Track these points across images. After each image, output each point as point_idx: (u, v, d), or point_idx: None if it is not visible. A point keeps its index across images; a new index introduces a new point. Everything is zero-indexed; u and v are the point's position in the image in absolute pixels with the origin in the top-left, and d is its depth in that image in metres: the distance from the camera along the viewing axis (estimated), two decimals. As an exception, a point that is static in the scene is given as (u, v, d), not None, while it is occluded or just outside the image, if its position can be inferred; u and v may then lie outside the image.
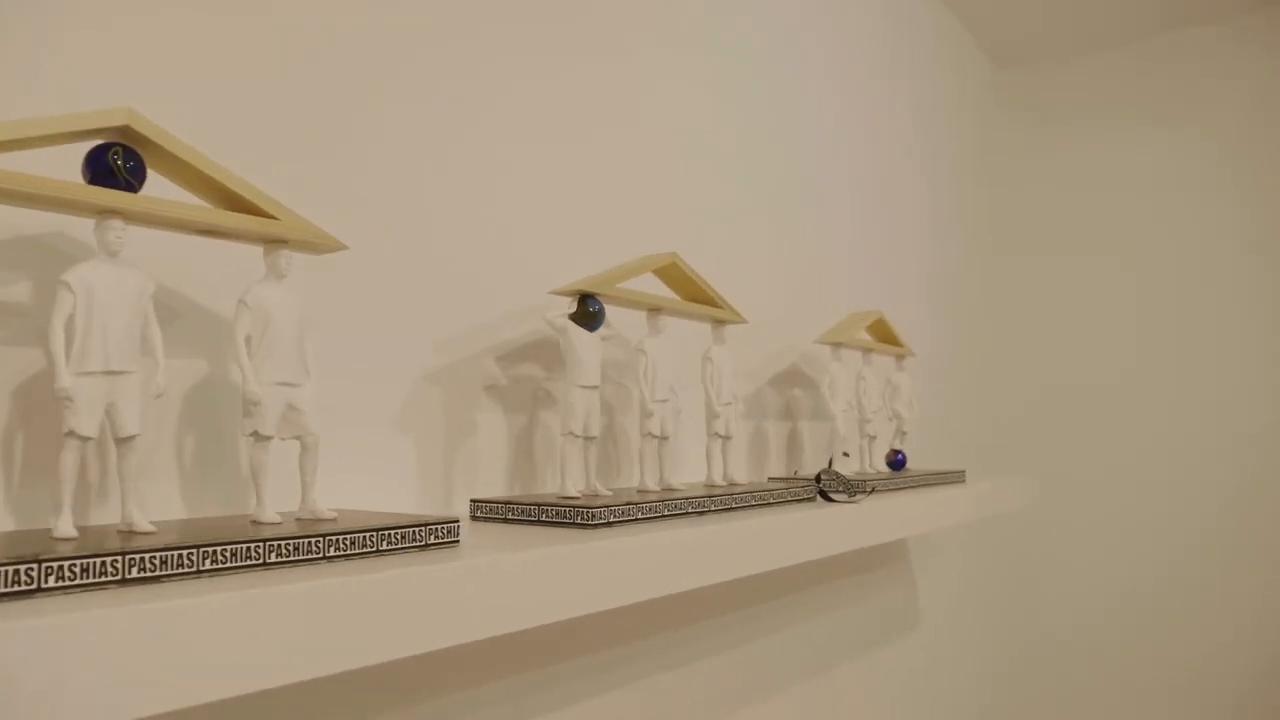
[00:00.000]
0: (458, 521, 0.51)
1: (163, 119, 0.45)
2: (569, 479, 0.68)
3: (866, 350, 1.12)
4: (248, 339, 0.48)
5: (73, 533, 0.41)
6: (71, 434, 0.41)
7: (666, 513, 0.67)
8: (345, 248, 0.53)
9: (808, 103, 1.26)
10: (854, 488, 0.88)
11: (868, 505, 0.86)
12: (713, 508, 0.72)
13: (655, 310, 0.78)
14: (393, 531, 0.48)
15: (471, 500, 0.67)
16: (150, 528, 0.44)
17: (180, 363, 0.55)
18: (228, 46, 0.59)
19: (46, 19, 0.51)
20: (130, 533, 0.43)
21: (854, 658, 1.29)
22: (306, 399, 0.50)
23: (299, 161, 0.63)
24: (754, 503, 0.78)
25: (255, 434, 0.49)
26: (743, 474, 1.06)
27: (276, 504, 0.50)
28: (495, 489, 0.76)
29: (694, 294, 0.82)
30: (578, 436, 0.68)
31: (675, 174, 0.99)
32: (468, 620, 0.45)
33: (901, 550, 1.45)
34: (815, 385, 1.19)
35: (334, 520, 0.50)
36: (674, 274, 0.80)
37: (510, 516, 0.65)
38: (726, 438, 0.85)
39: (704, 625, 0.97)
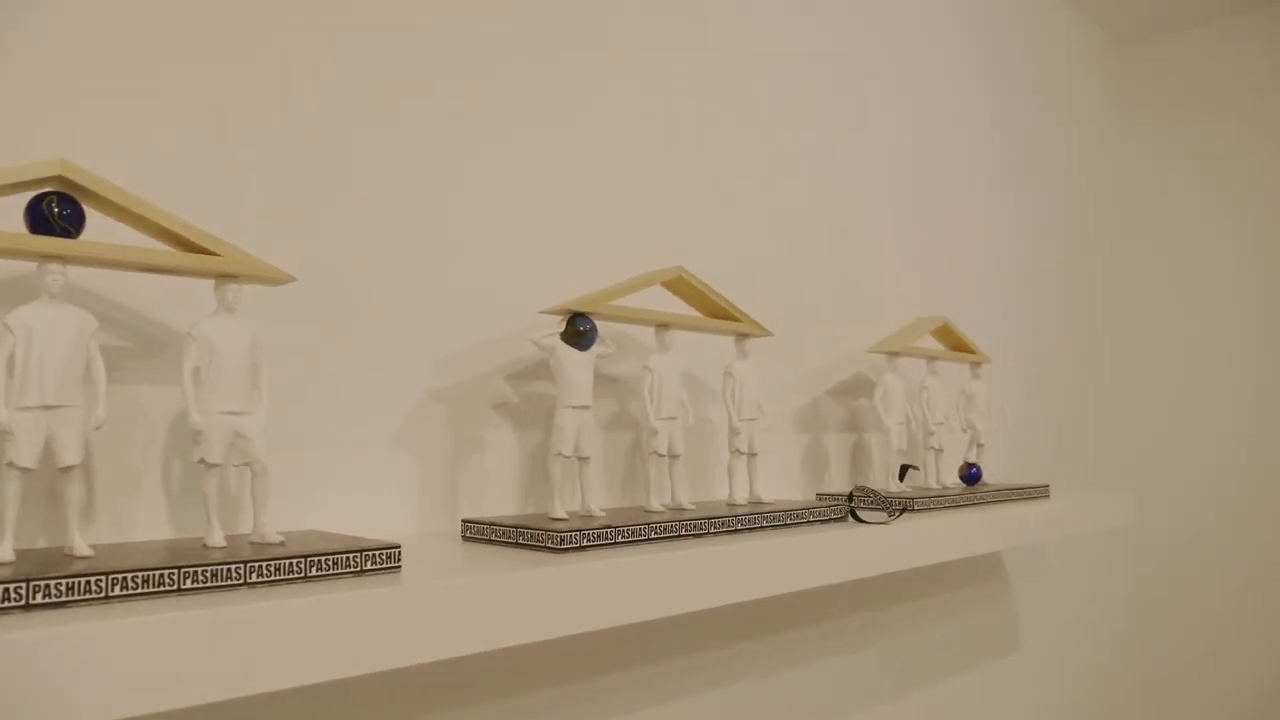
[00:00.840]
0: (398, 547, 0.52)
1: (132, 152, 0.48)
2: (558, 500, 0.67)
3: (931, 358, 1.06)
4: (195, 370, 0.51)
5: (9, 557, 0.44)
6: (10, 465, 0.44)
7: (653, 535, 0.66)
8: (293, 280, 0.54)
9: (868, 85, 1.21)
10: (892, 505, 0.84)
11: (906, 525, 0.81)
12: (713, 530, 0.70)
13: (663, 326, 0.76)
14: (324, 558, 0.49)
15: (463, 520, 0.68)
16: (89, 552, 0.46)
17: (169, 390, 0.59)
18: (197, 82, 0.62)
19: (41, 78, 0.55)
20: (71, 557, 0.46)
21: (939, 682, 1.22)
22: (255, 427, 0.52)
23: (305, 183, 0.65)
24: (768, 524, 0.75)
25: (202, 461, 0.51)
26: (792, 490, 1.02)
27: (277, 524, 0.53)
28: (506, 508, 0.76)
29: (710, 308, 0.80)
30: (566, 457, 0.68)
31: (713, 173, 0.97)
32: (358, 649, 0.45)
33: (996, 567, 1.36)
34: (882, 395, 1.14)
35: (281, 544, 0.51)
36: (683, 288, 0.78)
37: (494, 538, 0.65)
38: (751, 454, 0.82)
39: (765, 642, 0.95)
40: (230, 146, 0.62)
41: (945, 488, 1.05)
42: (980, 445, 1.13)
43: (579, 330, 0.68)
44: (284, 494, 0.64)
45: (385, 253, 0.70)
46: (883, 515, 0.84)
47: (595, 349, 0.70)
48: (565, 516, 0.67)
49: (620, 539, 0.63)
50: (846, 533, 0.75)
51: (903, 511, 0.83)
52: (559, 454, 0.67)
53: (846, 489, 1.09)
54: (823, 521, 0.80)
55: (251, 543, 0.52)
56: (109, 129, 0.57)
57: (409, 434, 0.71)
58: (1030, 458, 1.47)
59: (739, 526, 0.72)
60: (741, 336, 0.83)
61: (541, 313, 0.69)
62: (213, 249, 0.50)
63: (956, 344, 1.11)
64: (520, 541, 0.62)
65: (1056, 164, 1.64)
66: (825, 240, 1.11)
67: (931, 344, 1.11)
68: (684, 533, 0.68)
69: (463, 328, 0.74)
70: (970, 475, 1.10)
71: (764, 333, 0.83)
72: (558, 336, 0.68)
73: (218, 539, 0.50)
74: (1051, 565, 1.51)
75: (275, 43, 0.65)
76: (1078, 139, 1.72)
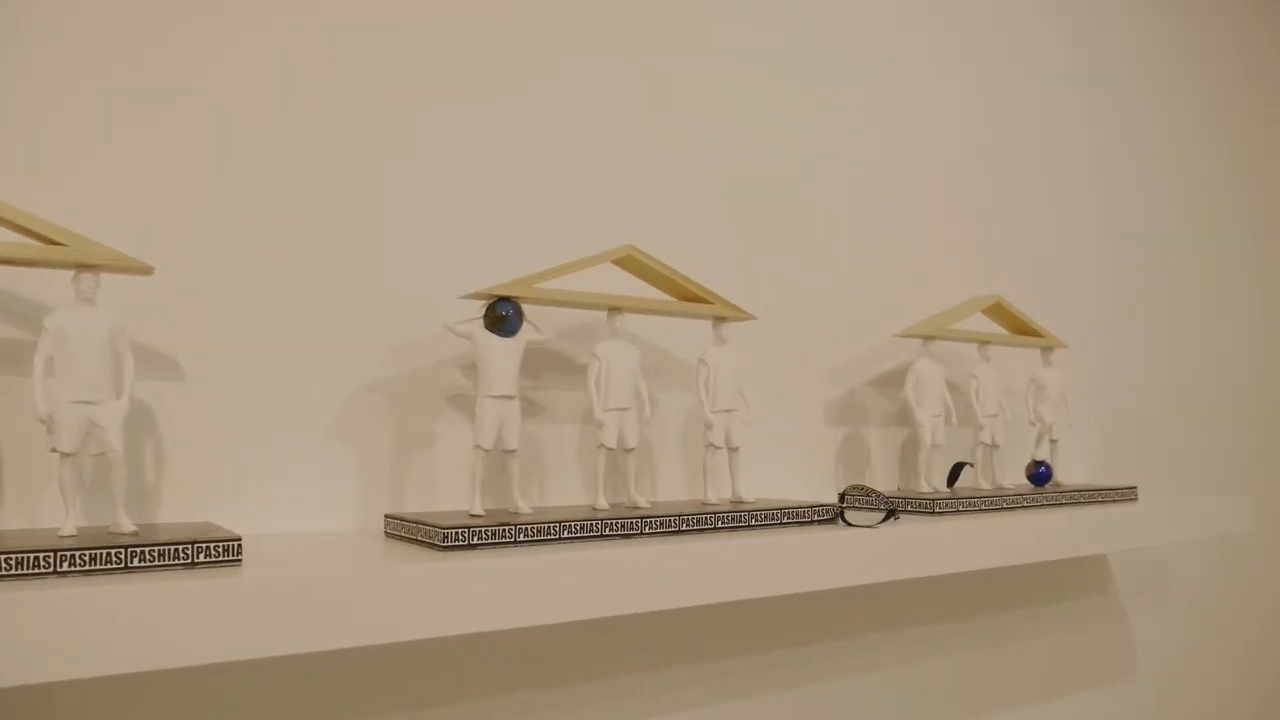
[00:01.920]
0: (239, 540, 0.50)
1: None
2: (477, 496, 0.64)
3: (982, 343, 0.95)
4: (48, 360, 0.51)
5: None
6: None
7: (564, 535, 0.61)
8: (150, 270, 0.54)
9: (901, 29, 1.10)
10: (890, 505, 0.74)
11: (898, 531, 0.72)
12: (645, 530, 0.64)
13: (615, 310, 0.71)
14: (148, 549, 0.48)
15: (385, 516, 0.65)
16: (-75, 538, 0.47)
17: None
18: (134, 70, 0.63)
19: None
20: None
21: (1028, 705, 1.09)
22: (110, 416, 0.51)
23: (253, 174, 0.65)
24: (726, 525, 0.68)
25: (55, 450, 0.51)
26: (824, 491, 0.94)
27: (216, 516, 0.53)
28: (460, 503, 0.74)
29: (678, 291, 0.74)
30: (487, 450, 0.64)
31: (718, 144, 0.91)
32: (143, 641, 0.43)
33: (1102, 574, 1.20)
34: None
35: (132, 534, 0.51)
36: (639, 269, 0.73)
37: (403, 535, 0.62)
38: (732, 449, 0.76)
39: (799, 651, 0.87)
40: (167, 135, 0.63)
41: (1000, 489, 0.93)
42: (1053, 441, 1.00)
43: (499, 315, 0.64)
44: (221, 487, 0.64)
45: (338, 244, 0.69)
46: (882, 518, 0.75)
47: (526, 335, 0.66)
48: (482, 513, 0.63)
49: (525, 538, 0.59)
50: (816, 537, 0.67)
51: (892, 515, 0.73)
52: (478, 447, 0.64)
53: (892, 488, 0.99)
54: (805, 524, 0.72)
55: (110, 533, 0.52)
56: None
57: (353, 427, 0.69)
58: (1122, 456, 1.29)
59: (683, 527, 0.66)
60: (718, 320, 0.76)
61: (462, 298, 0.66)
62: (63, 241, 0.51)
63: (1017, 326, 0.98)
64: (418, 539, 0.60)
65: (1152, 105, 1.43)
66: (861, 214, 1.01)
67: (988, 326, 0.99)
68: (600, 533, 0.62)
69: (414, 317, 0.72)
70: (1038, 475, 0.97)
71: (743, 316, 0.76)
72: (479, 322, 0.65)
73: (69, 528, 0.51)
74: (1179, 578, 1.32)
75: (244, 41, 0.66)
76: (1198, 68, 1.50)
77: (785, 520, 0.71)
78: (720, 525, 0.68)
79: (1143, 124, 1.36)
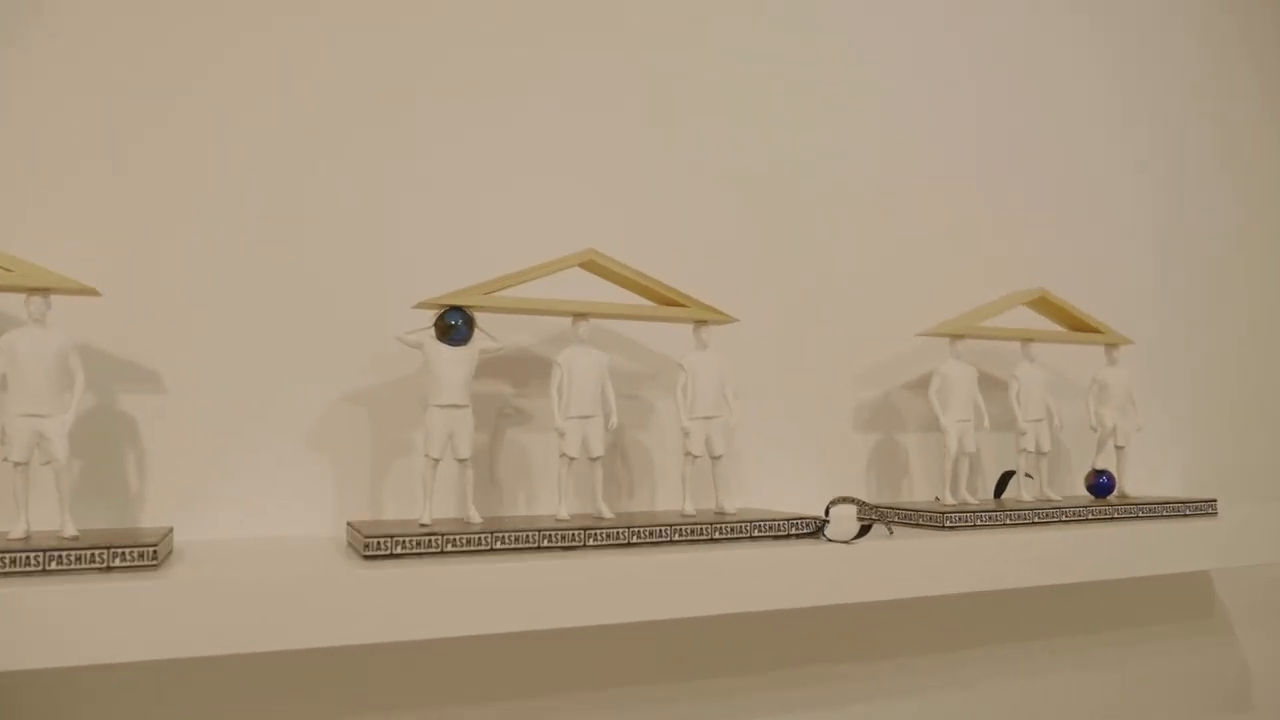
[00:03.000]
0: (155, 546, 0.53)
1: None
2: (426, 505, 0.65)
3: (1024, 340, 0.87)
4: (2, 377, 0.55)
5: None
6: None
7: (499, 546, 0.60)
8: (95, 292, 0.58)
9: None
10: (869, 518, 0.69)
11: (889, 546, 0.67)
12: (588, 543, 0.63)
13: (580, 316, 0.70)
14: (66, 553, 0.51)
15: (346, 524, 0.67)
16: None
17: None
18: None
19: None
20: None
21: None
22: (56, 429, 0.55)
23: (234, 183, 0.69)
24: (684, 538, 0.66)
25: (6, 459, 0.55)
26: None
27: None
28: (437, 511, 0.74)
29: (658, 296, 0.72)
30: (436, 460, 0.65)
31: (728, 131, 0.87)
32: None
33: (1206, 597, 1.08)
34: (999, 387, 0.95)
35: (74, 539, 0.55)
36: (604, 273, 0.71)
37: (350, 542, 0.64)
38: (715, 457, 0.73)
39: (855, 667, 0.84)
40: (147, 151, 0.68)
41: (1046, 500, 0.85)
42: (1119, 448, 0.90)
43: (448, 325, 0.65)
44: (205, 493, 0.68)
45: (320, 255, 0.72)
46: (883, 531, 0.70)
47: (480, 345, 0.66)
48: (430, 522, 0.64)
49: (450, 549, 0.59)
50: (778, 552, 0.64)
51: (867, 530, 0.68)
52: (428, 456, 0.65)
53: (930, 499, 0.92)
54: (782, 538, 0.68)
55: (58, 537, 0.56)
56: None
57: (334, 435, 0.72)
58: (1202, 467, 1.15)
59: (632, 540, 0.64)
60: (698, 324, 0.74)
61: (414, 307, 0.67)
62: (9, 267, 0.55)
63: (1071, 321, 0.89)
64: (352, 545, 0.61)
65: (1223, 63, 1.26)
66: (890, 206, 0.95)
67: (1037, 321, 0.91)
68: (538, 545, 0.61)
69: (394, 327, 0.74)
70: (1098, 485, 0.88)
71: (723, 319, 0.73)
72: (430, 332, 0.65)
73: (19, 531, 0.55)
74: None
75: (225, 56, 0.70)
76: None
77: (757, 534, 0.68)
78: (678, 538, 0.66)
79: (1201, 99, 1.21)
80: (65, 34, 0.66)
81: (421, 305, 0.66)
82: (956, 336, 0.84)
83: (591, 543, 0.63)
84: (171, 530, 0.61)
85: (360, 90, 0.74)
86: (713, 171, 0.87)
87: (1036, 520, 0.79)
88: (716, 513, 0.73)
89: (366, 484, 0.73)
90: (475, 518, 0.66)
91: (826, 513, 0.71)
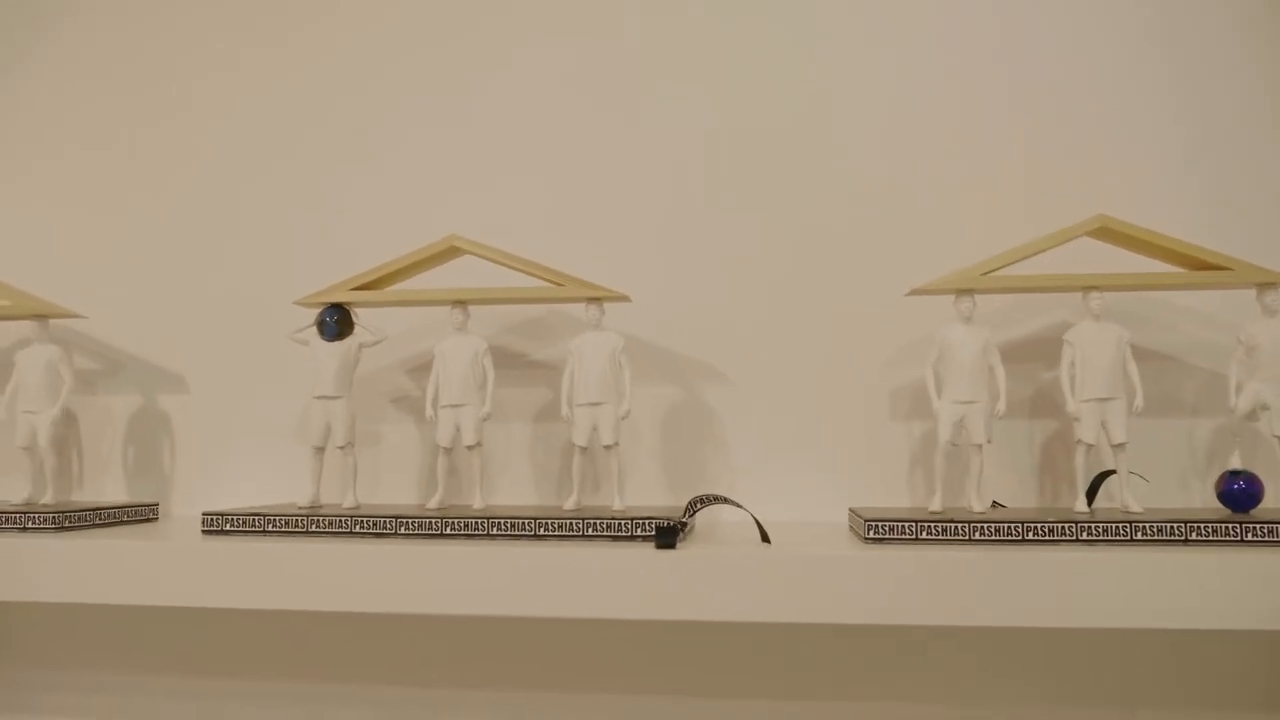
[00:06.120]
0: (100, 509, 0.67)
1: None
2: (313, 489, 0.69)
3: (1085, 289, 0.63)
4: (15, 384, 0.74)
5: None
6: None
7: (325, 530, 0.63)
8: (82, 316, 0.74)
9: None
10: (677, 521, 0.56)
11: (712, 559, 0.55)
12: (400, 531, 0.62)
13: (459, 304, 0.69)
14: (37, 515, 0.66)
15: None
16: None
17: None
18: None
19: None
20: None
21: None
22: (43, 422, 0.72)
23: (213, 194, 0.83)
24: (501, 532, 0.61)
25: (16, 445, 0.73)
26: (877, 501, 0.72)
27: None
28: (400, 496, 0.78)
29: (555, 275, 0.68)
30: (316, 448, 0.69)
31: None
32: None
33: None
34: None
35: (46, 505, 0.70)
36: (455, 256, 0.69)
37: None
38: (606, 446, 0.66)
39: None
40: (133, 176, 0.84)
41: (1125, 511, 0.60)
42: (1278, 437, 0.61)
43: (320, 321, 0.69)
44: (210, 477, 0.81)
45: (298, 265, 0.81)
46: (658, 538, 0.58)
47: (359, 339, 0.70)
48: (309, 506, 0.69)
49: (273, 528, 0.64)
50: (589, 554, 0.56)
51: (674, 536, 0.55)
52: (310, 444, 0.69)
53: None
54: (621, 539, 0.60)
55: (42, 504, 0.72)
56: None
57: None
58: None
59: (443, 531, 0.62)
60: (591, 301, 0.68)
61: (295, 303, 0.71)
62: (6, 299, 0.73)
63: (1166, 251, 0.63)
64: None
65: None
66: (902, 149, 0.75)
67: (1094, 265, 0.65)
68: (350, 530, 0.63)
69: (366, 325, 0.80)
70: (1231, 492, 0.61)
71: (615, 296, 0.67)
72: (314, 330, 0.70)
73: (19, 499, 0.72)
74: None
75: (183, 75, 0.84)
76: None
77: (591, 533, 0.60)
78: (496, 533, 0.61)
79: None
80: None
81: (300, 302, 0.71)
82: (962, 292, 0.64)
83: (402, 531, 0.62)
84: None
85: (311, 90, 0.82)
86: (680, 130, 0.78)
87: (1047, 538, 0.57)
88: (599, 508, 0.66)
89: (337, 472, 0.79)
90: (349, 502, 0.69)
91: (688, 510, 0.60)
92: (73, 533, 0.66)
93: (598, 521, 0.60)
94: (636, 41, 0.79)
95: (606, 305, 0.67)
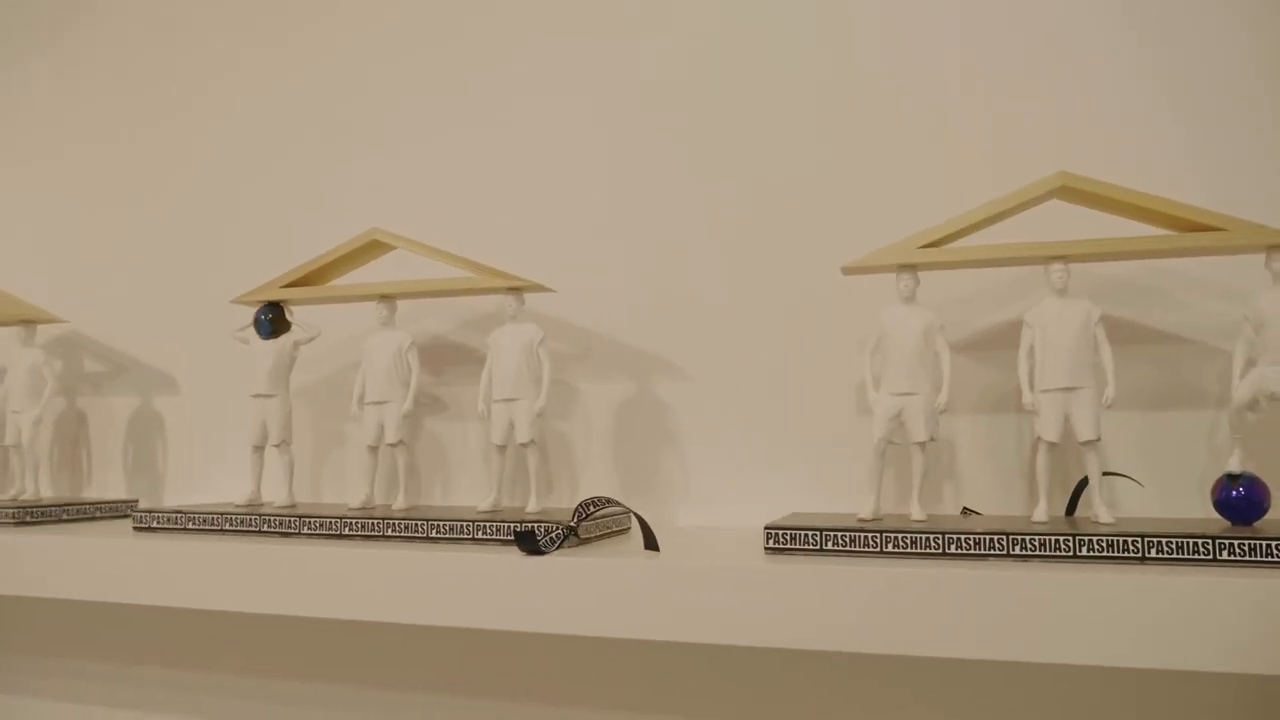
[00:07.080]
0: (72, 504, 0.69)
1: None
2: (253, 487, 0.69)
3: (1049, 259, 0.54)
4: (5, 386, 0.78)
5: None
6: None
7: (228, 528, 0.62)
8: (64, 320, 0.77)
9: None
10: (557, 527, 0.51)
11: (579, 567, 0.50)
12: (303, 530, 0.61)
13: (385, 299, 0.67)
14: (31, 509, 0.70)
15: (245, 503, 0.75)
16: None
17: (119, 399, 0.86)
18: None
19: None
20: None
21: None
22: (27, 421, 0.75)
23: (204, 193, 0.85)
24: (353, 532, 0.59)
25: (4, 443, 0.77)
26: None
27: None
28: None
29: (482, 268, 0.65)
30: (255, 447, 0.69)
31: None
32: None
33: None
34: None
35: (37, 500, 0.74)
36: (385, 250, 0.67)
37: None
38: (524, 444, 0.62)
39: None
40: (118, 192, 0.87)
41: (1096, 522, 0.51)
42: (1291, 433, 0.50)
43: (256, 319, 0.69)
44: (194, 474, 0.83)
45: (288, 251, 0.82)
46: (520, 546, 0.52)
47: (295, 336, 0.69)
48: (245, 504, 0.68)
49: (193, 525, 0.64)
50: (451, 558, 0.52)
51: (536, 542, 0.50)
52: (249, 443, 0.69)
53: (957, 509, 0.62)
54: (483, 541, 0.56)
55: (26, 499, 0.75)
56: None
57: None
58: None
59: (301, 530, 0.60)
60: (512, 291, 0.64)
61: (231, 301, 0.71)
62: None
63: (1151, 213, 0.52)
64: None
65: None
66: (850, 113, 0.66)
67: (1056, 232, 0.55)
68: (257, 529, 0.62)
69: (331, 329, 0.79)
70: (1234, 500, 0.51)
71: (536, 287, 0.63)
72: (252, 329, 0.70)
73: (9, 495, 0.76)
74: None
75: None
76: None
77: (450, 534, 0.56)
78: (349, 532, 0.59)
79: None
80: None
81: (236, 300, 0.70)
82: (906, 267, 0.56)
83: (269, 528, 0.61)
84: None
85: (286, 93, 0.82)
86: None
87: (994, 553, 0.48)
88: (517, 509, 0.62)
89: (308, 471, 0.79)
90: (282, 500, 0.68)
91: (578, 514, 0.55)
92: (32, 528, 0.68)
93: (465, 524, 0.56)
94: (589, 29, 0.75)
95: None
